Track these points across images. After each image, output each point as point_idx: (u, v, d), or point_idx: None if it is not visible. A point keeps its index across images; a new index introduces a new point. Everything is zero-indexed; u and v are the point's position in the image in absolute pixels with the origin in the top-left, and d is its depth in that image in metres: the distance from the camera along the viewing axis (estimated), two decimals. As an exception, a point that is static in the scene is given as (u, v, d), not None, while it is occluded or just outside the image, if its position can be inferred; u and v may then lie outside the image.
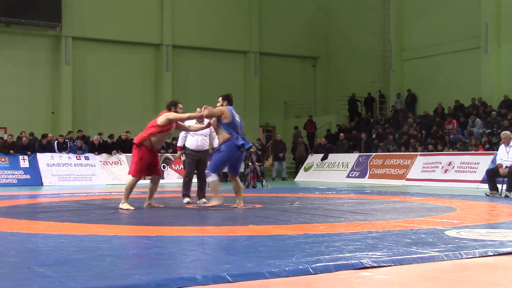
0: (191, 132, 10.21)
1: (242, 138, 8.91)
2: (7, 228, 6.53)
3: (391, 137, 21.15)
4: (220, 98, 9.10)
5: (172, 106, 9.28)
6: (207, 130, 10.13)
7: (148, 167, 9.24)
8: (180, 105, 9.35)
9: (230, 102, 9.05)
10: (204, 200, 10.14)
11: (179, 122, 9.36)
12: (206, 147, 10.25)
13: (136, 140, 9.27)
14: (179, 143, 10.49)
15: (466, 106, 21.42)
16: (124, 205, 8.99)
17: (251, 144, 9.40)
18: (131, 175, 9.18)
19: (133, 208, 8.90)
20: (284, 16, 28.31)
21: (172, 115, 9.09)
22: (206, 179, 9.34)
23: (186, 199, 10.09)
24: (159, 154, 19.43)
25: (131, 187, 9.13)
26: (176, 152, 19.78)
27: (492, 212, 9.01)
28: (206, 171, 9.15)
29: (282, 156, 22.30)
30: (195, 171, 10.37)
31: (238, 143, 8.75)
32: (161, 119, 9.10)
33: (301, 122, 25.94)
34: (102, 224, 7.05)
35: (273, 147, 24.26)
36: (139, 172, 9.11)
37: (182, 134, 10.42)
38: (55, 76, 24.24)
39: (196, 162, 10.20)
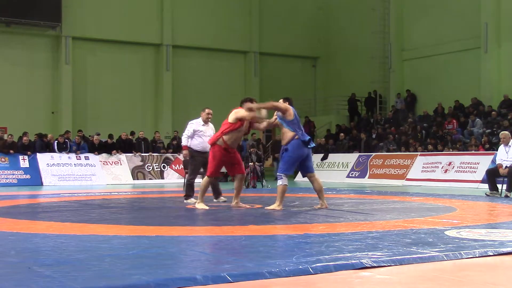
0: (200, 133, 10.11)
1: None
2: (7, 228, 6.53)
3: (391, 137, 21.14)
4: (282, 100, 8.76)
5: (245, 102, 8.93)
6: (212, 132, 10.09)
7: (228, 167, 9.19)
8: (255, 101, 9.03)
9: (290, 104, 8.69)
10: (223, 198, 10.18)
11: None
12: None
13: (209, 141, 9.18)
14: (185, 143, 10.26)
15: (466, 106, 21.42)
16: (200, 205, 9.02)
17: (314, 145, 9.00)
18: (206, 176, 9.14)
19: (207, 207, 8.97)
20: (284, 16, 28.31)
21: (239, 113, 8.84)
22: (278, 182, 8.63)
23: (191, 200, 10.00)
24: (159, 154, 19.79)
25: (205, 187, 9.11)
26: (176, 152, 19.98)
27: (492, 212, 9.00)
28: (278, 173, 8.68)
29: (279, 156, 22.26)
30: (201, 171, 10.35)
31: (305, 139, 8.44)
32: (231, 116, 8.92)
33: (301, 122, 25.89)
34: (102, 224, 7.05)
35: (272, 147, 24.27)
36: (211, 172, 9.04)
37: (187, 133, 10.24)
38: (55, 76, 24.24)
39: (201, 163, 10.14)
